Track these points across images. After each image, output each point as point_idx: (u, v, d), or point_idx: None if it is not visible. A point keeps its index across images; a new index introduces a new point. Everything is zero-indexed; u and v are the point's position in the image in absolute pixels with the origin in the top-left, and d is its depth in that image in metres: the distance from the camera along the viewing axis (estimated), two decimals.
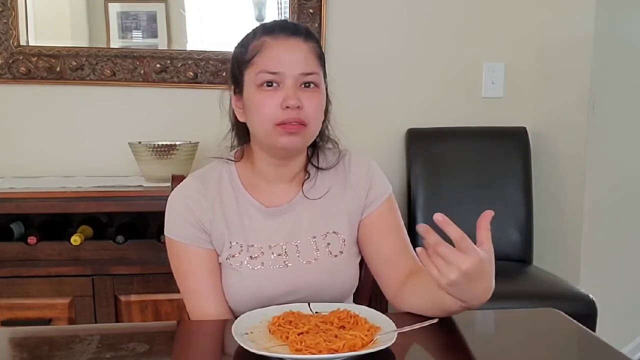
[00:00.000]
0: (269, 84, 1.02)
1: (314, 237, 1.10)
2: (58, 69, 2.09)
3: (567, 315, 1.05)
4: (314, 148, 1.16)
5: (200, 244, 1.08)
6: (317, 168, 1.14)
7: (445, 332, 1.02)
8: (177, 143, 1.94)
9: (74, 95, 2.13)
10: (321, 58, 1.08)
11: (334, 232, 1.12)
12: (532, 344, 0.96)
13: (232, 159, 1.15)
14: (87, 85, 2.12)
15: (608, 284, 2.24)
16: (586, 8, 2.08)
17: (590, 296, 1.78)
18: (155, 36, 2.21)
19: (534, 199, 2.22)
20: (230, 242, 1.08)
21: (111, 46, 2.17)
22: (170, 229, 1.09)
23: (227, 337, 0.86)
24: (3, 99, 2.11)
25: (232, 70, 1.10)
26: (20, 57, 2.07)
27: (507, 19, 2.29)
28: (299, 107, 1.01)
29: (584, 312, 1.73)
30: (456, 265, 0.86)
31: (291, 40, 1.03)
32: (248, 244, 1.08)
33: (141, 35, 2.20)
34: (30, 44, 2.09)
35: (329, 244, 1.11)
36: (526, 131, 2.25)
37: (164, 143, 1.93)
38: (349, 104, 2.39)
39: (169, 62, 2.13)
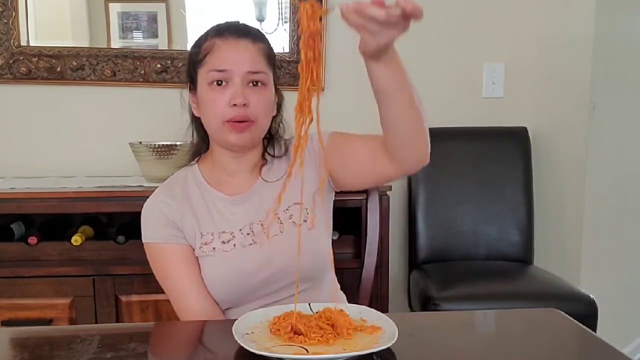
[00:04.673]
0: (219, 82, 1.11)
1: (277, 214, 1.16)
2: (58, 69, 2.09)
3: (567, 316, 1.05)
4: (270, 139, 1.24)
5: (175, 240, 1.14)
6: (273, 156, 1.21)
7: (446, 332, 1.02)
8: (178, 143, 1.93)
9: (74, 96, 2.13)
10: (270, 58, 1.15)
11: (295, 203, 1.16)
12: (532, 344, 0.96)
13: (194, 162, 1.24)
14: (88, 86, 2.12)
15: (609, 284, 2.24)
16: (586, 8, 2.08)
17: (591, 296, 1.78)
18: (156, 36, 2.21)
19: (534, 199, 2.22)
20: (202, 233, 1.14)
21: (112, 46, 2.17)
22: (146, 235, 1.17)
23: (227, 337, 0.86)
24: (4, 99, 2.11)
25: (187, 68, 1.19)
26: (21, 58, 2.07)
27: (508, 19, 2.29)
28: (245, 104, 1.09)
29: (585, 312, 1.73)
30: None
31: (240, 41, 1.11)
32: (219, 231, 1.14)
33: (142, 36, 2.20)
34: (30, 44, 2.09)
35: (291, 215, 1.16)
36: (527, 131, 2.25)
37: (165, 143, 1.92)
38: (349, 104, 2.40)
39: (169, 62, 2.13)
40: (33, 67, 2.08)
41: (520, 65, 2.31)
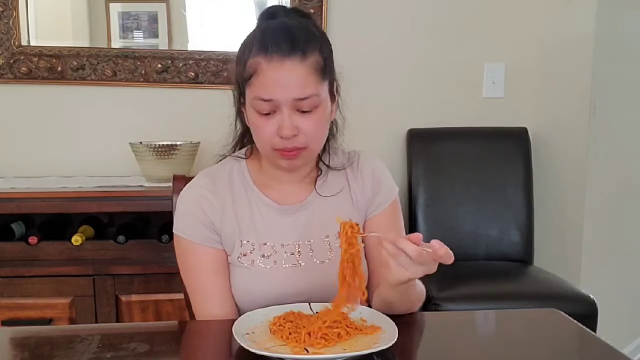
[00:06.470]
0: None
1: (327, 237, 1.10)
2: (59, 69, 2.09)
3: (567, 316, 1.05)
4: (323, 148, 1.13)
5: (210, 244, 1.07)
6: (328, 167, 1.14)
7: (446, 332, 1.02)
8: (178, 143, 1.94)
9: (75, 96, 2.13)
10: (323, 70, 1.02)
11: None
12: (532, 344, 0.96)
13: (243, 156, 1.14)
14: (88, 86, 2.12)
15: (609, 285, 2.23)
16: (587, 8, 2.08)
17: (591, 296, 1.78)
18: (156, 36, 2.21)
19: (534, 199, 2.22)
20: (242, 241, 1.08)
21: (112, 46, 2.17)
22: (180, 227, 1.08)
23: (228, 337, 0.86)
24: (4, 99, 2.11)
25: (236, 77, 1.06)
26: (22, 57, 2.07)
27: (508, 19, 2.29)
28: (294, 135, 0.99)
29: (585, 312, 1.73)
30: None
31: (286, 62, 0.98)
32: (260, 242, 1.08)
33: (142, 36, 2.20)
34: (31, 44, 2.09)
35: None
36: (527, 131, 2.25)
37: (165, 143, 1.93)
38: (349, 105, 2.39)
39: (169, 62, 2.13)
40: (33, 67, 2.08)
41: (521, 66, 2.31)
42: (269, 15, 1.05)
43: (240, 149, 1.16)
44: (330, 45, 1.09)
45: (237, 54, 1.06)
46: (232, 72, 1.09)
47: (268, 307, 0.99)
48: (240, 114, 1.11)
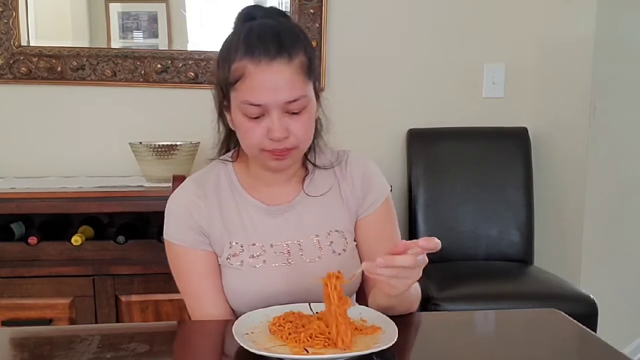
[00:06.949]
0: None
1: (317, 236, 1.10)
2: (59, 69, 2.09)
3: (567, 316, 1.05)
4: (309, 147, 1.12)
5: (200, 247, 1.08)
6: (315, 165, 1.14)
7: (446, 332, 1.02)
8: (178, 143, 1.94)
9: (74, 96, 2.13)
10: (309, 70, 1.01)
11: (337, 231, 1.11)
12: (532, 344, 0.96)
13: (229, 159, 1.14)
14: (88, 86, 2.12)
15: (609, 285, 2.23)
16: (587, 9, 2.08)
17: (591, 296, 1.78)
18: (156, 36, 2.21)
19: (534, 199, 2.22)
20: (230, 243, 1.08)
21: (112, 46, 2.17)
22: (170, 232, 1.09)
23: (227, 337, 0.86)
24: (4, 99, 2.11)
25: (218, 79, 1.04)
26: (21, 58, 2.07)
27: (508, 19, 2.29)
28: (286, 137, 0.99)
29: (585, 312, 1.73)
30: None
31: (274, 65, 0.96)
32: (249, 243, 1.08)
33: (142, 36, 2.20)
34: (31, 44, 2.09)
35: (332, 242, 1.10)
36: (527, 132, 2.26)
37: (165, 143, 1.93)
38: (349, 105, 2.40)
39: (169, 62, 2.13)
40: (33, 67, 2.08)
41: (521, 66, 2.31)
42: (246, 17, 1.04)
43: (226, 152, 1.16)
44: (312, 44, 1.08)
45: (218, 57, 1.04)
46: (214, 75, 1.07)
47: (267, 307, 0.99)
48: (222, 116, 1.10)
